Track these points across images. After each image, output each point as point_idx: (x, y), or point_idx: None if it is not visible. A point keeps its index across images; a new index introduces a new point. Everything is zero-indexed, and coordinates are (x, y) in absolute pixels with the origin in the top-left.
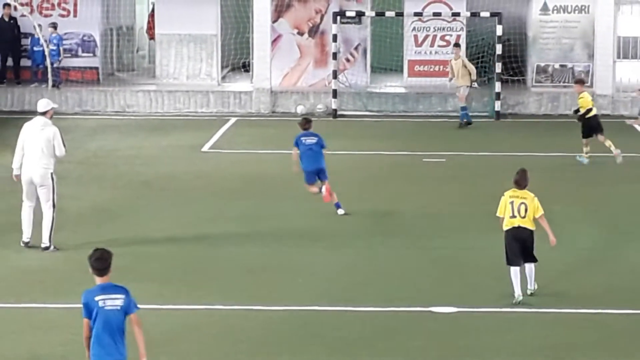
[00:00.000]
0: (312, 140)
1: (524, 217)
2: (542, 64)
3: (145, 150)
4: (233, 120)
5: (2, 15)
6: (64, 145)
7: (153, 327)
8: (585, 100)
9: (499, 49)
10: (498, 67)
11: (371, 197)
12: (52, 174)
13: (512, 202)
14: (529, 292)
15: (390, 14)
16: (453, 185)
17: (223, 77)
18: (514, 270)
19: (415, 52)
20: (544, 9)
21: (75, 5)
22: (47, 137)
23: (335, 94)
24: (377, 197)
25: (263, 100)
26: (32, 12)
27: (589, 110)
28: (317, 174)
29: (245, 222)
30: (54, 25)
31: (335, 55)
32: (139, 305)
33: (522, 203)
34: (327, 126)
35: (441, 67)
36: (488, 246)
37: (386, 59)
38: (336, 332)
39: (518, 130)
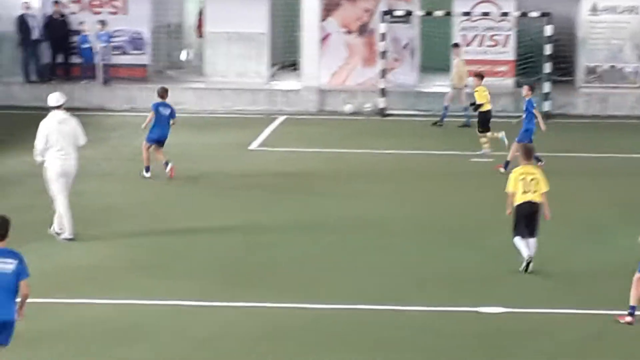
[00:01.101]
0: (167, 111)
1: (535, 192)
2: (591, 65)
3: (192, 148)
4: (281, 118)
5: (53, 13)
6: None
7: (195, 324)
8: (479, 95)
9: (548, 49)
10: (547, 68)
11: (419, 196)
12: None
13: (523, 179)
14: (525, 262)
15: (439, 13)
16: (501, 184)
17: (272, 76)
18: (520, 240)
19: (464, 52)
20: (594, 9)
21: (125, 2)
22: (73, 129)
23: (383, 92)
24: (425, 196)
25: (311, 99)
26: (82, 9)
27: (482, 104)
28: (160, 142)
29: (292, 220)
30: (103, 23)
31: (383, 54)
32: (184, 302)
33: (533, 179)
34: (375, 125)
35: (490, 67)
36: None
37: (434, 58)
38: (382, 331)
39: (566, 130)
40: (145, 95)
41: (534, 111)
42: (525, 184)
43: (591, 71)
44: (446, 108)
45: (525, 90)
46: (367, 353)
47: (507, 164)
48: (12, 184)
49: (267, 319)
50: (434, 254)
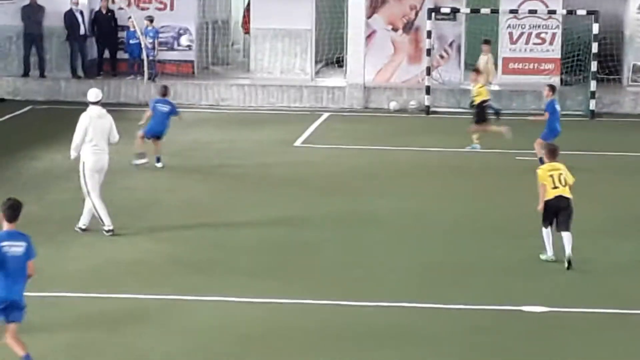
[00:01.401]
0: (165, 108)
1: (565, 186)
2: (639, 63)
3: (238, 144)
4: (326, 115)
5: (100, 8)
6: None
7: (243, 320)
8: (482, 90)
9: (594, 47)
10: (594, 66)
11: (463, 194)
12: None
13: (551, 175)
14: (567, 257)
15: (485, 10)
16: None
17: (317, 72)
18: (547, 232)
19: (509, 50)
20: None
21: None
22: (109, 125)
23: (428, 90)
24: (469, 194)
25: (356, 96)
26: (129, 5)
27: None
28: (157, 136)
29: (336, 218)
30: (150, 19)
31: (429, 52)
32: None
33: (561, 174)
34: (420, 122)
35: (536, 64)
36: (580, 246)
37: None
38: (424, 329)
39: (613, 129)
40: (191, 91)
41: (546, 113)
42: (554, 179)
43: (638, 69)
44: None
45: (545, 91)
46: (408, 350)
47: (541, 160)
48: (59, 178)
49: (309, 316)
50: (476, 252)
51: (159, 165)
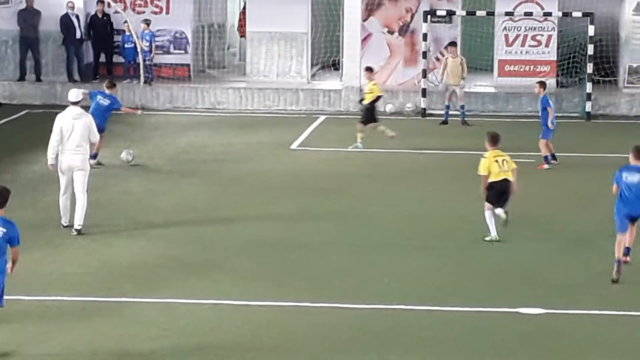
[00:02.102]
0: (106, 101)
1: (507, 170)
2: (635, 65)
3: (234, 147)
4: (322, 118)
5: (96, 12)
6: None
7: (241, 322)
8: (376, 88)
9: (590, 49)
10: (589, 68)
11: (459, 196)
12: (89, 159)
13: (497, 161)
14: (503, 217)
15: (481, 13)
16: (542, 186)
17: (313, 75)
18: (490, 213)
19: (505, 52)
20: (637, 9)
21: (167, 2)
22: (84, 125)
23: (424, 93)
24: (465, 197)
25: (352, 99)
26: (125, 8)
27: (378, 97)
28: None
29: (333, 220)
30: (147, 22)
31: (425, 55)
32: (224, 301)
33: (504, 160)
34: (416, 125)
35: (532, 67)
36: (578, 248)
37: (476, 58)
38: (423, 331)
39: (609, 131)
40: (187, 95)
41: (549, 108)
42: (499, 165)
43: (634, 71)
44: (463, 107)
45: (537, 88)
46: (407, 353)
47: (546, 159)
48: (55, 182)
49: (307, 319)
50: (473, 254)
51: (92, 162)
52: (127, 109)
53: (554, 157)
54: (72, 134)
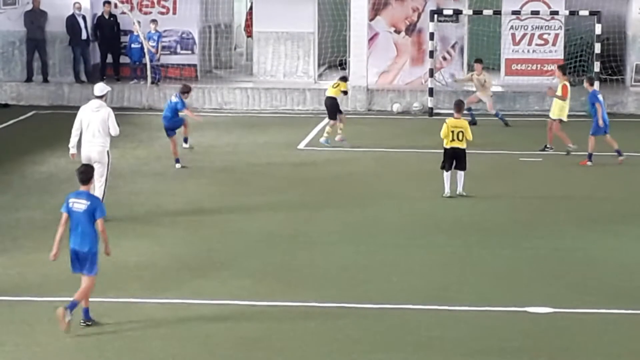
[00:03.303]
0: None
1: (461, 140)
2: None
3: (241, 147)
4: None
5: (102, 13)
6: (118, 125)
7: (248, 323)
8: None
9: (597, 48)
10: (596, 67)
11: (466, 196)
12: (108, 151)
13: (453, 131)
14: (458, 192)
15: (488, 12)
16: (550, 185)
17: (320, 75)
18: (447, 175)
19: (512, 51)
20: None
21: (174, 2)
22: (102, 118)
23: (431, 92)
24: (472, 195)
25: (359, 98)
26: (132, 9)
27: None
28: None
29: (340, 220)
30: (155, 22)
31: (432, 54)
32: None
33: (461, 131)
34: (423, 124)
35: (538, 65)
36: (584, 246)
37: (483, 57)
38: (430, 331)
39: (616, 130)
40: (195, 95)
41: (597, 104)
42: (454, 134)
43: None
44: (498, 114)
45: (586, 84)
46: (416, 352)
47: (590, 156)
48: (62, 183)
49: (314, 318)
50: (480, 253)
51: (185, 145)
52: (189, 112)
53: (620, 153)
54: (89, 126)
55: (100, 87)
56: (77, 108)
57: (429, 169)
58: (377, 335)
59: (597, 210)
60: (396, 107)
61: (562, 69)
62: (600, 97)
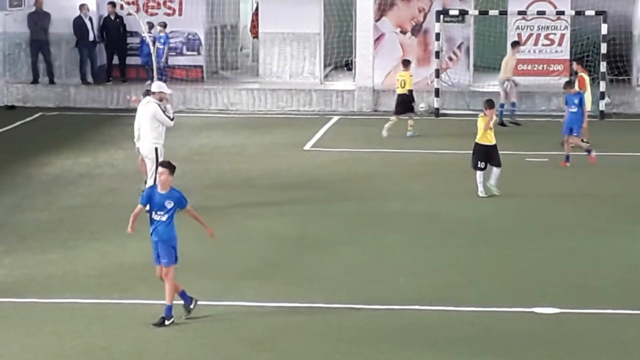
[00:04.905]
0: None
1: (404, 87)
2: None
3: (248, 148)
4: (335, 118)
5: (108, 14)
6: (169, 118)
7: (254, 324)
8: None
9: (603, 47)
10: (603, 67)
11: (472, 196)
12: (156, 148)
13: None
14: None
15: (494, 12)
16: (556, 185)
17: (326, 76)
18: (479, 174)
19: (518, 51)
20: None
21: (180, 4)
22: (149, 114)
23: (437, 92)
24: (479, 196)
25: (365, 99)
26: (138, 10)
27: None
28: None
29: (347, 221)
30: (164, 25)
31: (438, 54)
32: (241, 302)
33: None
34: (429, 125)
35: (545, 66)
36: (591, 247)
37: (489, 57)
38: (437, 331)
39: (623, 130)
40: (201, 96)
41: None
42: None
43: None
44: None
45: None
46: (423, 353)
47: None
48: (69, 184)
49: (321, 319)
50: (487, 254)
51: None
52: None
53: (567, 159)
54: (140, 122)
55: (157, 85)
56: (84, 109)
57: (436, 169)
58: (384, 336)
59: (604, 211)
60: (422, 106)
61: (579, 60)
62: (575, 100)
